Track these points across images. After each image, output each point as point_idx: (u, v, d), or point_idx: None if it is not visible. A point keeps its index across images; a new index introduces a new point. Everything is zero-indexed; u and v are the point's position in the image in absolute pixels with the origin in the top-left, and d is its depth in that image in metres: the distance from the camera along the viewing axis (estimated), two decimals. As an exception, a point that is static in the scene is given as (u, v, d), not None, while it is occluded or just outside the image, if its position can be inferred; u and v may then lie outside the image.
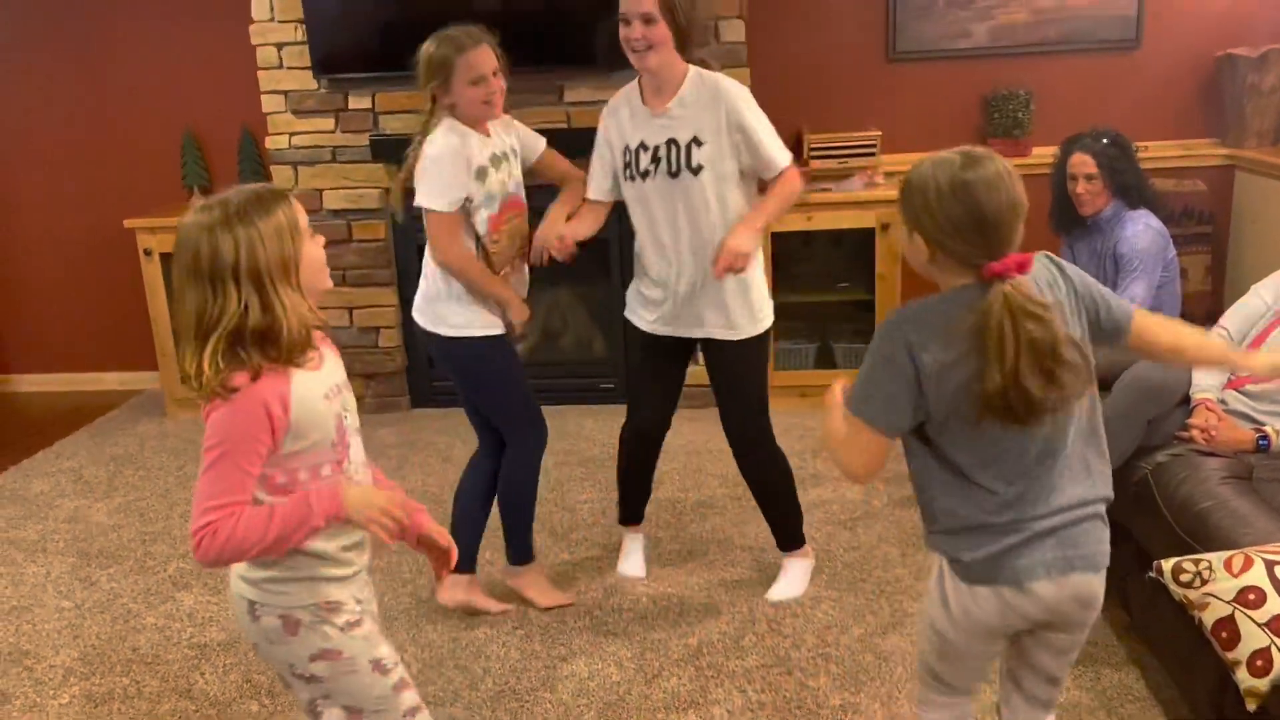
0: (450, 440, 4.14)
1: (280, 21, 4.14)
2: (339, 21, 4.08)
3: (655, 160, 2.61)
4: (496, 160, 2.67)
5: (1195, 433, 2.53)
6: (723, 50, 4.03)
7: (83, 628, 2.94)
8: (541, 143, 2.88)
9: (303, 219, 1.56)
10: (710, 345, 2.78)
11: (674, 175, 2.60)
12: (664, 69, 2.56)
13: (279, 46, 4.18)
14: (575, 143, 4.09)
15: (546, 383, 4.46)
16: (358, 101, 4.22)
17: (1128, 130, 3.33)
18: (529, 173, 2.85)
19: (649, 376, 2.91)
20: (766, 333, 2.78)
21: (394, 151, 4.19)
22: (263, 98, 4.22)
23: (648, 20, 2.48)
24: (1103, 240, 3.19)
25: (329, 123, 4.26)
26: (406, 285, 4.42)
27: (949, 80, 4.42)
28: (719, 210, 2.61)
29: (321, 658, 1.64)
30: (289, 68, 4.20)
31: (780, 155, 2.63)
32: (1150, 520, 2.45)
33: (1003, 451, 1.60)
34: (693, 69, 2.60)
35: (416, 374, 4.54)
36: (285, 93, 4.24)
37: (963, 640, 1.72)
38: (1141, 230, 3.08)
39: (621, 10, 2.51)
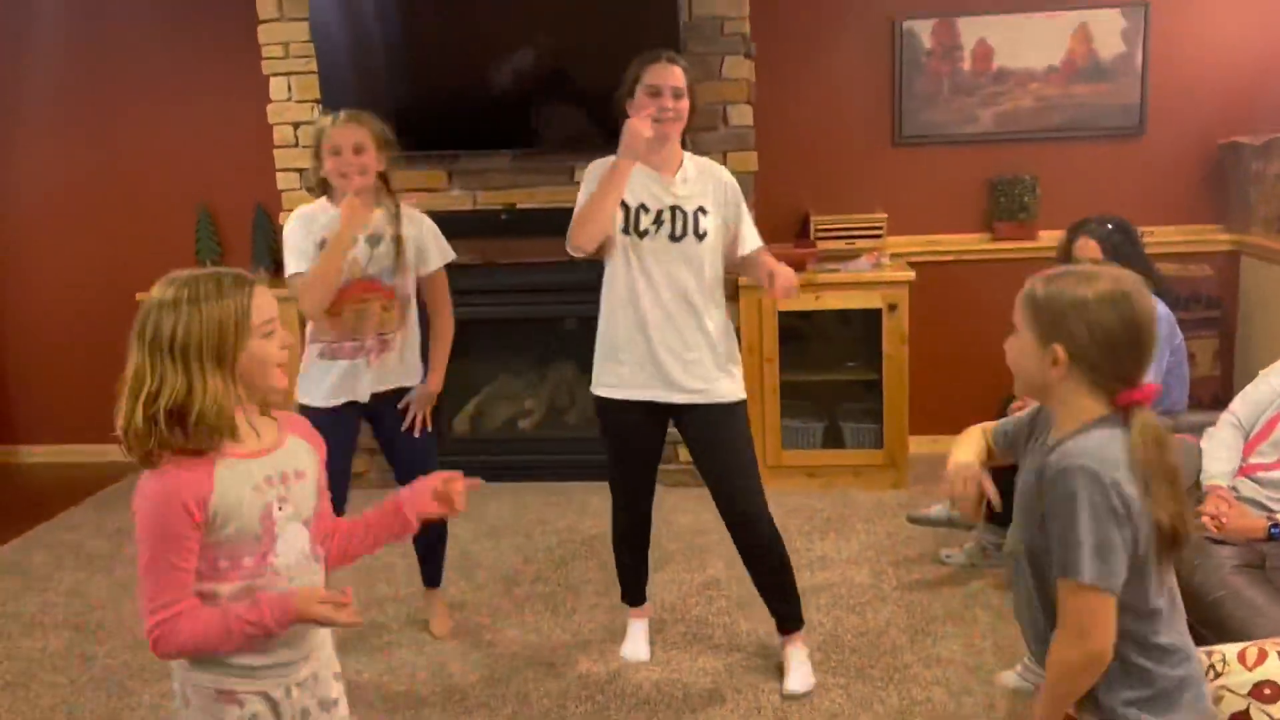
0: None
1: (298, 102, 4.23)
2: (356, 103, 4.11)
3: (657, 223, 2.68)
4: (353, 240, 2.74)
5: (1206, 520, 2.50)
6: (731, 134, 4.10)
7: (77, 705, 2.89)
8: (436, 261, 2.97)
9: (260, 314, 1.56)
10: (691, 412, 2.76)
11: (676, 239, 2.68)
12: (674, 143, 2.71)
13: (295, 126, 4.27)
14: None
15: (551, 459, 4.46)
16: (371, 180, 4.27)
17: (1133, 215, 3.36)
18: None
19: (631, 456, 2.91)
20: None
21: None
22: (277, 175, 4.30)
23: (678, 95, 2.64)
24: (1109, 325, 3.19)
25: (343, 200, 4.32)
26: (414, 360, 4.44)
27: (955, 164, 4.48)
28: (710, 276, 2.72)
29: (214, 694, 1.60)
30: (304, 147, 4.26)
31: (756, 236, 2.83)
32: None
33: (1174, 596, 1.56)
34: (685, 151, 2.77)
35: (422, 449, 4.52)
36: (300, 171, 4.30)
37: None
38: (1147, 315, 3.08)
39: (651, 82, 2.64)
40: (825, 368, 4.34)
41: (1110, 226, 3.15)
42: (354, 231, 2.71)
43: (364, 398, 2.87)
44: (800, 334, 4.33)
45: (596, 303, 4.33)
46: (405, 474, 2.94)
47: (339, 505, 2.50)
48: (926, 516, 3.38)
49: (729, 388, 2.75)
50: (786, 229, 4.47)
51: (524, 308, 4.38)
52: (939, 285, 4.41)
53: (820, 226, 4.39)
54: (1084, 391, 1.53)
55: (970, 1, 4.35)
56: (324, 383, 2.84)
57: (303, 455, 1.68)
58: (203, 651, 1.55)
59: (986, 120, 4.44)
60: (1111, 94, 4.35)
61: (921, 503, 3.56)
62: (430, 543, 3.15)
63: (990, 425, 1.87)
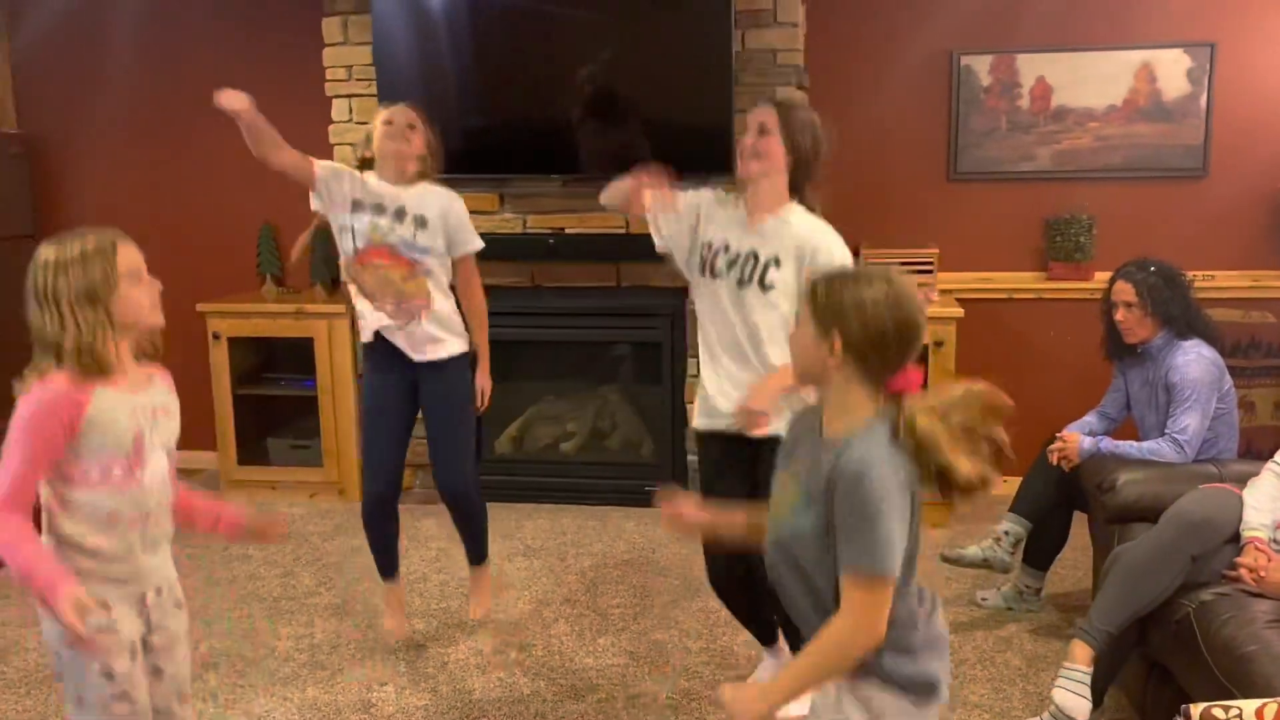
0: (490, 536, 4.12)
1: (358, 123, 4.33)
2: (414, 125, 4.25)
3: (730, 265, 2.58)
4: (380, 208, 2.92)
5: (1244, 572, 2.42)
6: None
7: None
8: (469, 246, 3.08)
9: (125, 264, 1.82)
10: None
11: (741, 285, 2.57)
12: (765, 184, 2.55)
13: (354, 147, 4.36)
14: (633, 246, 4.21)
15: (591, 482, 4.48)
16: (426, 201, 4.36)
17: (1193, 259, 3.29)
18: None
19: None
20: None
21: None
22: (337, 194, 4.41)
23: (762, 131, 2.54)
24: (1154, 369, 3.12)
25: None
26: (461, 379, 4.50)
27: (1010, 202, 4.42)
28: (766, 339, 2.56)
29: (66, 643, 1.80)
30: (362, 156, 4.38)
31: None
32: (1190, 661, 2.32)
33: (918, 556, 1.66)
34: (797, 204, 2.59)
35: (465, 468, 4.57)
36: (359, 190, 4.41)
37: None
38: (1193, 360, 3.00)
39: (745, 123, 2.61)
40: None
41: (1151, 270, 3.09)
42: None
43: (403, 349, 3.00)
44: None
45: (641, 328, 4.40)
46: (437, 446, 3.09)
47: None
48: (962, 556, 3.31)
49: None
50: (835, 262, 4.45)
51: (569, 331, 4.42)
52: (990, 323, 4.34)
53: (871, 260, 4.36)
54: (855, 382, 1.62)
55: (1030, 38, 4.31)
56: (366, 313, 3.01)
57: (168, 398, 1.95)
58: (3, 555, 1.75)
59: (1044, 158, 4.38)
60: (1174, 135, 4.26)
61: (963, 544, 3.49)
62: (460, 520, 3.24)
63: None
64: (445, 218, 3.00)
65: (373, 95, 4.25)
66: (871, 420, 1.62)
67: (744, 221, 2.60)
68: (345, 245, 2.97)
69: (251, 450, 4.65)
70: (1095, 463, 3.07)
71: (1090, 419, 3.38)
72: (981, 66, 4.36)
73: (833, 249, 2.53)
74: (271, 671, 3.09)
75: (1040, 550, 3.33)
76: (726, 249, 2.60)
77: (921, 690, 1.65)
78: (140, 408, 1.86)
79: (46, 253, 1.82)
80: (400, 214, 2.94)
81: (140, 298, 1.85)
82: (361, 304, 3.02)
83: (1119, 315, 3.13)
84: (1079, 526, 3.31)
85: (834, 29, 4.39)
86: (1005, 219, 4.44)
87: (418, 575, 3.76)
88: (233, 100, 2.70)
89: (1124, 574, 2.51)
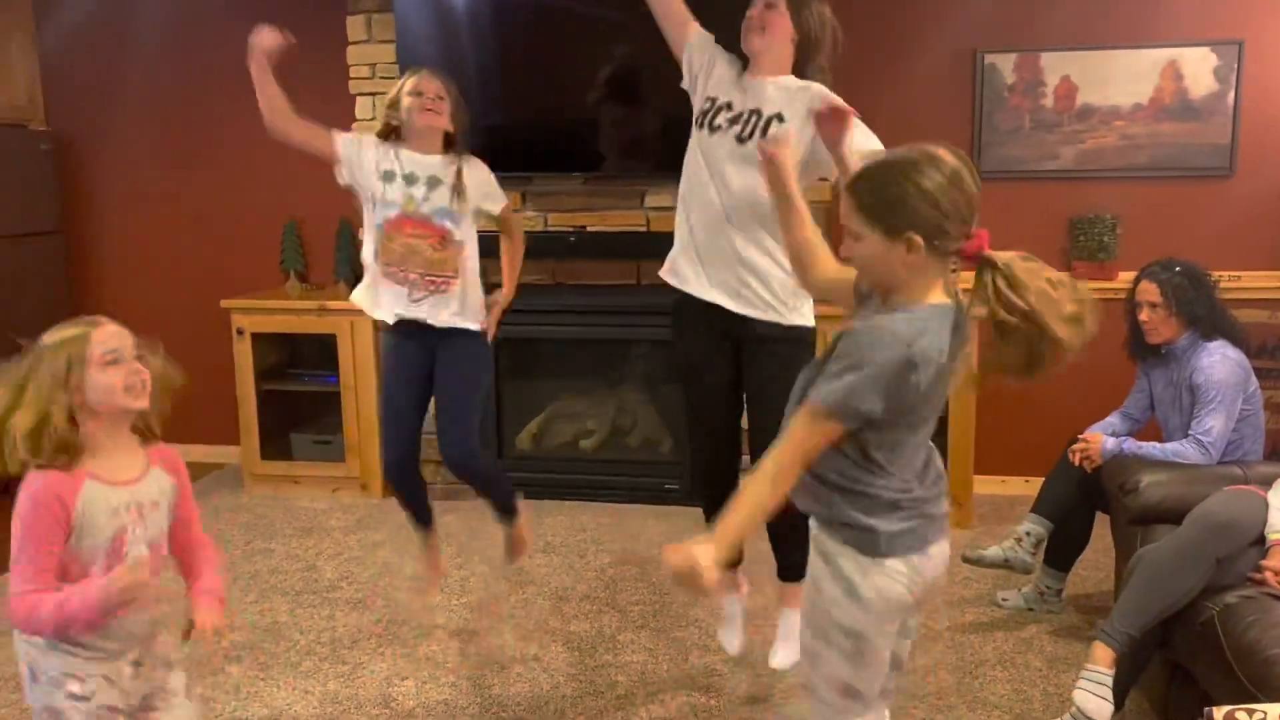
0: (511, 532, 4.16)
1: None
2: (436, 123, 4.28)
3: (733, 121, 2.59)
4: (412, 177, 2.92)
5: (1269, 574, 2.40)
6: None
7: (134, 692, 2.99)
8: (503, 200, 3.15)
9: (100, 346, 1.83)
10: (747, 329, 2.64)
11: (742, 141, 2.56)
12: (769, 56, 2.57)
13: (458, 141, 4.39)
14: (654, 244, 4.19)
15: (611, 480, 4.49)
16: (448, 198, 4.38)
17: (1219, 259, 3.27)
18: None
19: (708, 419, 2.90)
20: (810, 334, 2.67)
21: (483, 248, 4.37)
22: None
23: (768, 4, 2.55)
24: (1179, 370, 3.10)
25: (420, 217, 4.44)
26: (482, 376, 4.52)
27: (1033, 201, 4.40)
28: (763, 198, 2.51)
29: (47, 715, 1.87)
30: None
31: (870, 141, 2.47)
32: (1213, 664, 2.31)
33: (917, 445, 1.70)
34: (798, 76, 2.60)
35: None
36: (381, 187, 4.43)
37: (876, 628, 1.71)
38: (1218, 361, 2.98)
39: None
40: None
41: (1177, 270, 3.07)
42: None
43: (423, 318, 2.97)
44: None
45: (662, 326, 4.36)
46: (443, 413, 3.05)
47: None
48: (982, 557, 3.30)
49: (782, 306, 2.63)
50: (857, 260, 4.43)
51: (590, 329, 4.43)
52: (1012, 323, 4.31)
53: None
54: (930, 272, 1.61)
55: (1055, 36, 4.28)
56: (384, 298, 2.99)
57: (158, 486, 1.94)
58: (61, 624, 1.78)
59: (1068, 157, 4.35)
60: (1200, 133, 4.23)
61: (984, 544, 3.47)
62: (475, 486, 3.24)
63: None
64: (478, 186, 3.02)
65: (396, 93, 4.27)
66: (937, 303, 1.61)
67: (745, 79, 2.61)
68: (374, 216, 2.95)
69: (274, 445, 4.69)
70: (1118, 464, 3.05)
71: (1113, 420, 3.36)
72: (1005, 65, 4.33)
73: (826, 90, 2.53)
74: (293, 665, 3.12)
75: (1062, 551, 3.32)
76: (729, 107, 2.61)
77: (865, 544, 1.69)
78: (124, 505, 1.87)
79: (43, 339, 1.86)
80: (434, 182, 2.94)
81: (112, 381, 1.84)
82: (382, 288, 2.98)
83: (1143, 315, 3.11)
84: (1101, 528, 3.29)
85: (856, 27, 4.35)
86: (1028, 218, 4.41)
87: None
88: (264, 38, 2.84)
89: (1147, 576, 2.49)
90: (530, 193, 4.33)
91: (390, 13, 4.23)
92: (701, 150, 2.67)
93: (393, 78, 4.27)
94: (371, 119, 4.38)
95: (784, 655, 2.81)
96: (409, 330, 3.00)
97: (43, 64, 5.09)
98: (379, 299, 3.02)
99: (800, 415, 1.63)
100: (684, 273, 2.75)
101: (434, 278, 2.96)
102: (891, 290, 1.65)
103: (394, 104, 2.97)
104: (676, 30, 2.76)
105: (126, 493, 1.89)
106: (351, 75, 4.38)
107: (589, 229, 4.28)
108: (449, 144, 3.02)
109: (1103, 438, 3.15)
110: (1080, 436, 3.23)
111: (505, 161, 4.26)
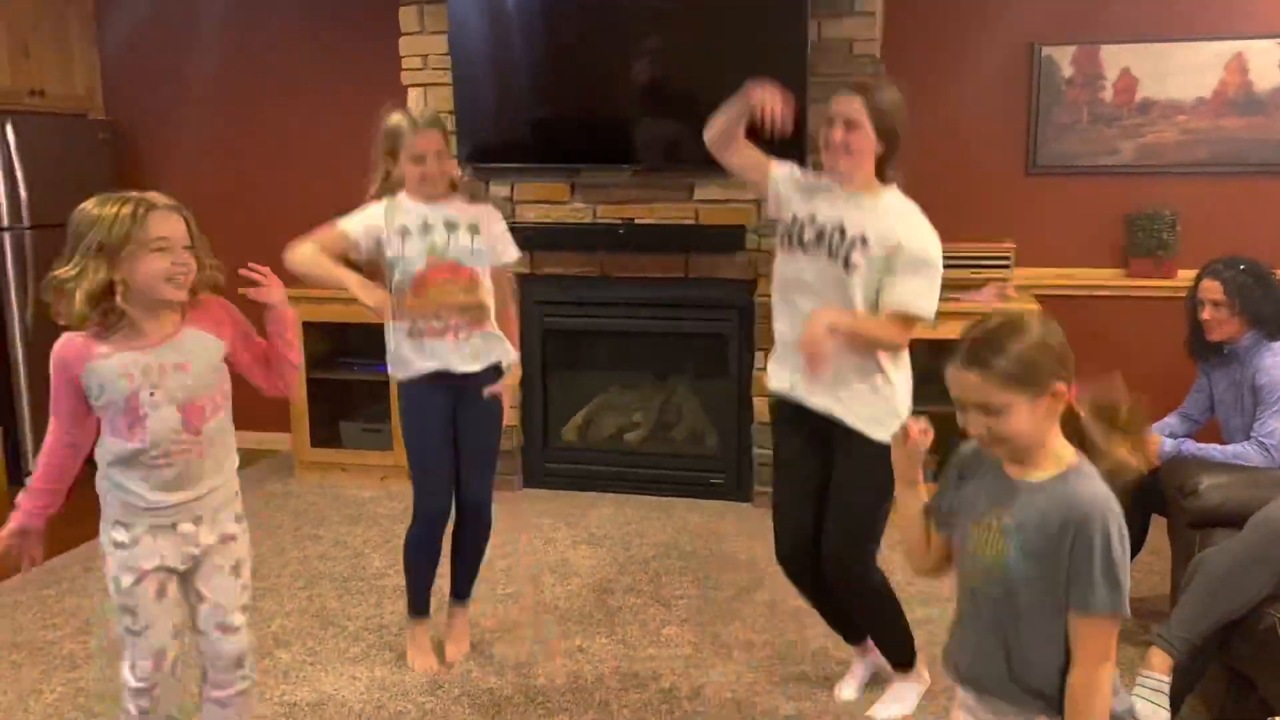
0: (555, 523, 4.17)
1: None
2: (488, 115, 4.29)
3: (819, 239, 2.52)
4: (427, 226, 2.83)
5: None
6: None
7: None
8: (510, 256, 3.01)
9: (154, 230, 1.91)
10: (837, 435, 2.59)
11: (834, 259, 2.50)
12: (854, 178, 2.50)
13: (461, 177, 4.41)
14: (702, 237, 4.21)
15: (656, 473, 4.48)
16: (498, 190, 4.40)
17: (1281, 257, 3.19)
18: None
19: (792, 478, 2.72)
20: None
21: (527, 238, 4.37)
22: (410, 182, 4.45)
23: (850, 126, 2.45)
24: (1241, 370, 3.03)
25: (469, 208, 4.45)
26: (528, 367, 4.52)
27: (1091, 196, 4.32)
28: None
29: (104, 554, 2.10)
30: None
31: (921, 304, 2.51)
32: (1275, 672, 2.25)
33: None
34: (893, 188, 2.54)
35: (530, 454, 4.61)
36: (431, 178, 4.45)
37: None
38: (1283, 361, 2.91)
39: (830, 112, 2.49)
40: (939, 400, 4.20)
41: (1241, 268, 3.00)
42: (366, 300, 2.73)
43: (456, 368, 2.88)
44: (920, 365, 4.22)
45: (709, 319, 4.38)
46: (474, 456, 2.98)
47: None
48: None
49: (872, 423, 2.56)
50: (908, 255, 4.38)
51: (638, 321, 4.42)
52: (1067, 321, 4.19)
53: (945, 254, 4.25)
54: (1055, 426, 1.64)
55: (1115, 28, 4.20)
56: (416, 357, 2.87)
57: (191, 347, 2.02)
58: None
59: (1127, 152, 4.26)
60: (1265, 128, 4.12)
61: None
62: (472, 536, 3.10)
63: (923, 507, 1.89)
64: (490, 224, 2.95)
65: (448, 84, 4.29)
66: (1078, 458, 1.64)
67: (832, 192, 2.54)
68: (401, 275, 2.82)
69: (324, 433, 4.74)
70: (1176, 465, 2.98)
71: (1171, 420, 3.29)
72: (1064, 58, 4.26)
73: (923, 238, 2.50)
74: (341, 651, 3.15)
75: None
76: (813, 220, 2.54)
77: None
78: (140, 367, 1.96)
79: (88, 204, 1.94)
80: (451, 225, 2.86)
81: (156, 267, 1.92)
82: (419, 347, 2.86)
83: (1205, 314, 3.04)
84: (1156, 530, 3.23)
85: (912, 19, 4.32)
86: (1085, 214, 4.33)
87: (488, 558, 3.78)
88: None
89: (1208, 581, 2.44)
90: (579, 185, 4.33)
91: (443, 4, 4.23)
92: (794, 269, 2.59)
93: (445, 69, 4.30)
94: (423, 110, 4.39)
95: (885, 711, 2.78)
96: (430, 386, 2.89)
97: (102, 55, 5.19)
98: (416, 358, 2.88)
99: (1097, 631, 1.60)
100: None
101: (473, 320, 2.88)
102: (1032, 449, 1.64)
103: (391, 153, 2.86)
104: (759, 177, 2.71)
105: (142, 355, 1.96)
106: (404, 67, 4.39)
107: (637, 221, 4.27)
108: (453, 188, 2.93)
109: (1160, 439, 3.08)
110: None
111: (554, 153, 4.30)
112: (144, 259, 1.91)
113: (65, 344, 1.97)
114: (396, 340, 2.90)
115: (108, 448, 2.04)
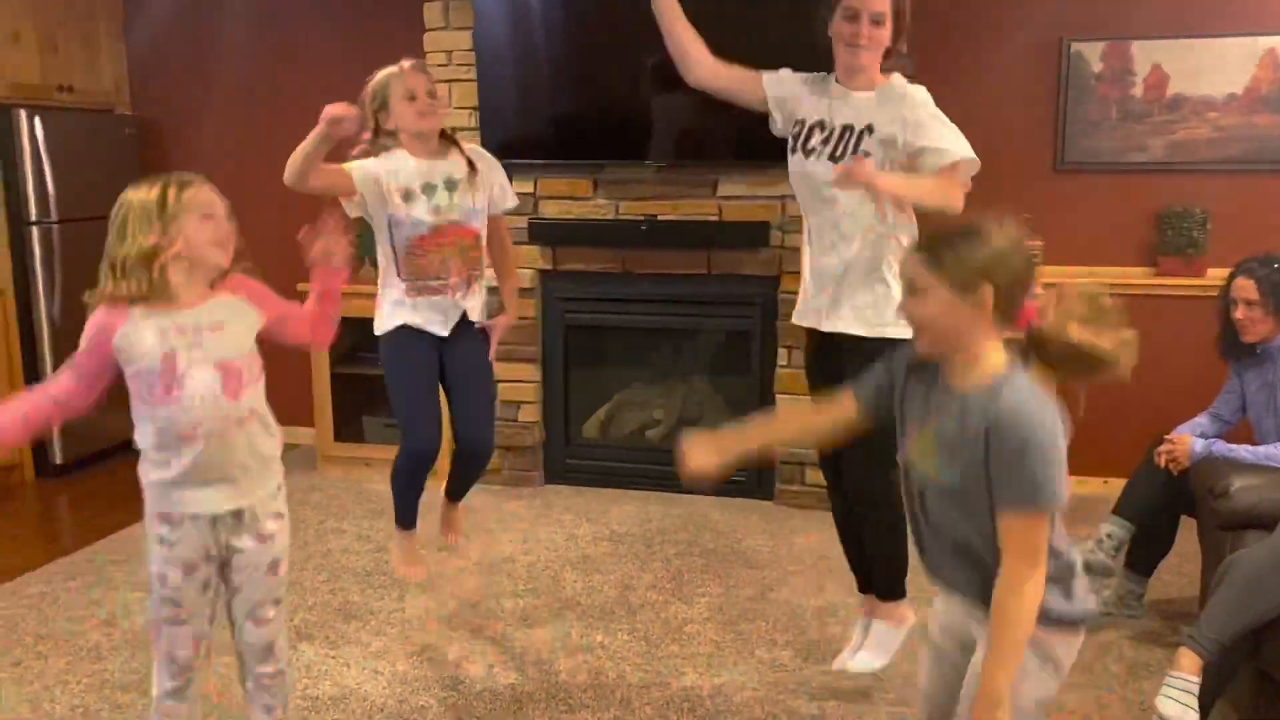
0: (576, 519, 4.17)
1: (457, 108, 4.38)
2: (512, 111, 4.29)
3: (826, 141, 2.55)
4: (430, 186, 2.80)
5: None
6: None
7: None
8: (510, 202, 3.05)
9: (198, 198, 1.98)
10: (847, 346, 2.60)
11: (835, 159, 2.52)
12: (865, 73, 2.55)
13: (454, 131, 4.41)
14: (725, 234, 4.19)
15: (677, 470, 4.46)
16: (521, 185, 4.38)
17: (1316, 256, 3.13)
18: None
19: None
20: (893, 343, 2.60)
21: (549, 234, 4.37)
22: (434, 177, 4.45)
23: (876, 20, 2.49)
24: (1274, 370, 2.98)
25: (492, 204, 4.45)
26: (550, 363, 4.53)
27: (1119, 194, 4.27)
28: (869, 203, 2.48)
29: (149, 547, 2.09)
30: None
31: (956, 147, 2.50)
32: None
33: None
34: (895, 75, 2.57)
35: (552, 450, 4.60)
36: (454, 174, 4.46)
37: (1056, 685, 1.75)
38: (1318, 361, 2.86)
39: (849, 4, 2.49)
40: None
41: (1276, 266, 2.95)
42: (327, 125, 2.66)
43: (445, 332, 2.90)
44: None
45: (732, 316, 4.36)
46: (471, 400, 2.99)
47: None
48: (1060, 559, 3.21)
49: (881, 320, 2.55)
50: (933, 252, 4.35)
51: (660, 318, 4.41)
52: (1094, 319, 4.20)
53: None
54: (990, 332, 1.66)
55: (1146, 24, 4.14)
56: (419, 313, 2.87)
57: (225, 311, 2.05)
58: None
59: (1157, 149, 4.21)
60: (1298, 125, 4.06)
61: (1058, 545, 3.39)
62: (471, 468, 3.12)
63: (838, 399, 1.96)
64: (488, 173, 2.94)
65: (472, 80, 4.29)
66: (1010, 365, 1.66)
67: (839, 90, 2.57)
68: (398, 237, 2.82)
69: (347, 427, 4.75)
70: (1207, 466, 2.94)
71: (1202, 420, 3.25)
72: (1093, 53, 4.21)
73: (928, 102, 2.54)
74: (363, 645, 3.15)
75: (1144, 555, 3.21)
76: (821, 126, 2.57)
77: (1079, 621, 1.73)
78: (176, 327, 1.98)
79: (132, 188, 2.00)
80: (451, 184, 2.85)
81: (202, 232, 1.97)
82: (414, 305, 2.86)
83: (1238, 313, 3.00)
84: (1186, 532, 3.19)
85: (940, 13, 4.28)
86: (1113, 211, 4.28)
87: (505, 557, 3.80)
88: (337, 110, 2.61)
89: (1240, 582, 2.40)
90: (602, 180, 4.32)
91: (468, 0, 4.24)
92: (803, 175, 2.63)
93: (469, 64, 4.30)
94: (447, 106, 4.39)
95: (863, 659, 2.78)
96: (414, 334, 2.90)
97: (129, 52, 5.22)
98: (409, 315, 2.88)
99: (1015, 527, 1.63)
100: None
101: (473, 273, 2.91)
102: (952, 347, 1.69)
103: (382, 105, 2.84)
104: (750, 91, 2.72)
105: (178, 315, 1.99)
106: (428, 62, 4.38)
107: (660, 217, 4.25)
108: (445, 136, 2.91)
109: (1191, 439, 3.04)
110: (1167, 438, 3.13)
111: (577, 149, 4.29)
112: (194, 224, 1.97)
113: (102, 309, 2.00)
114: (391, 300, 2.89)
115: (145, 425, 2.03)
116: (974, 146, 4.62)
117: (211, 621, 2.17)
